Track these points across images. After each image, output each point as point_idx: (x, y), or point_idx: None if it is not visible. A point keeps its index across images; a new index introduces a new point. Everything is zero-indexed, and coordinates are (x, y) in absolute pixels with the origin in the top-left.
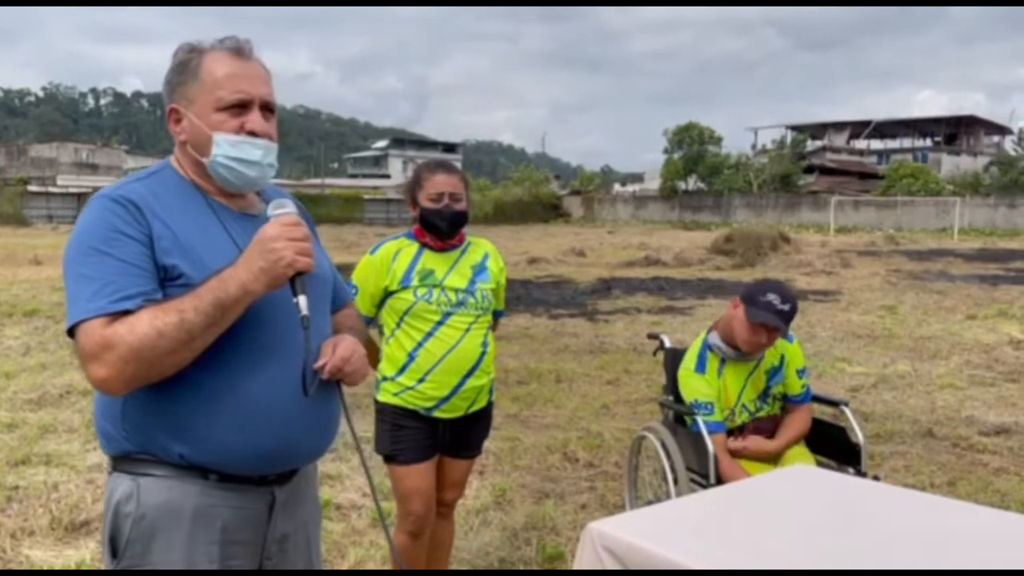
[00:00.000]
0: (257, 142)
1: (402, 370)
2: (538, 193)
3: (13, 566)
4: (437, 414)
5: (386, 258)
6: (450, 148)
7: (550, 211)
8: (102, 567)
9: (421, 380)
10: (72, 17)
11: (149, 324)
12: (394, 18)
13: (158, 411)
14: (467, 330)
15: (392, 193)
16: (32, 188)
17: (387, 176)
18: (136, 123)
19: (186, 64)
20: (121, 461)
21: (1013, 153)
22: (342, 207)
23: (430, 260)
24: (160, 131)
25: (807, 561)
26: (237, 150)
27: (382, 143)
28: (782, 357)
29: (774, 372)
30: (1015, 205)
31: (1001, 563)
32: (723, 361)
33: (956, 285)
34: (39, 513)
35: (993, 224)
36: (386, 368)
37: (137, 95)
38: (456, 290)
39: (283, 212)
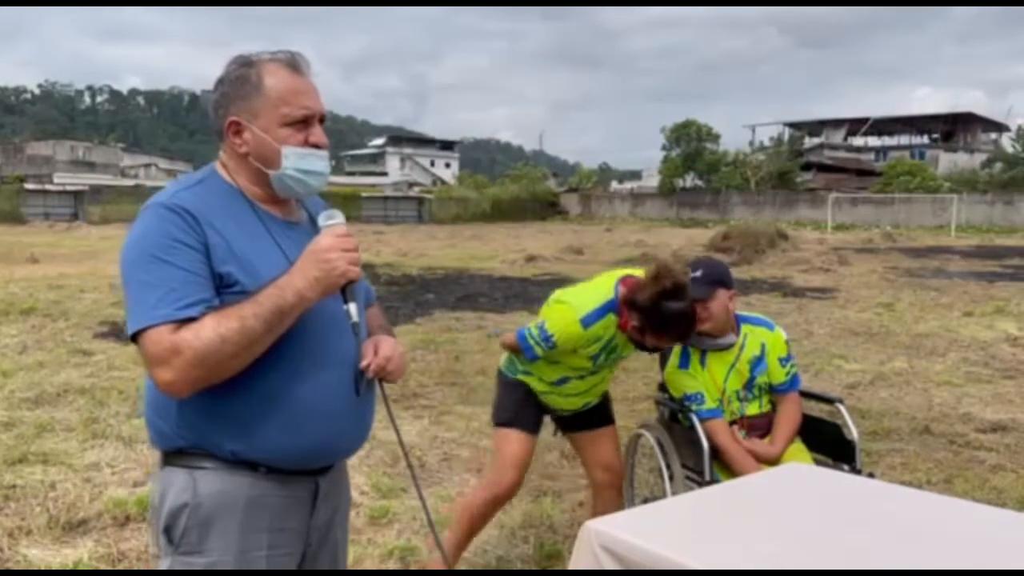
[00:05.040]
0: (321, 154)
1: (546, 382)
2: (535, 191)
3: (11, 565)
4: (561, 413)
5: (593, 335)
6: (447, 146)
7: (548, 208)
8: (101, 567)
9: (563, 395)
10: (71, 15)
11: (213, 330)
12: (395, 17)
13: (212, 411)
14: (609, 372)
15: (390, 191)
16: (29, 186)
17: (384, 174)
18: (133, 120)
19: (246, 79)
20: (174, 456)
21: (1011, 150)
22: (340, 205)
23: (620, 337)
24: (157, 129)
25: (803, 560)
26: (305, 162)
27: (379, 141)
28: (762, 345)
29: (756, 361)
30: (1012, 202)
31: (997, 561)
32: (704, 353)
33: (953, 282)
34: (36, 512)
35: (990, 221)
36: (536, 371)
37: (133, 92)
38: (621, 357)
39: (334, 223)
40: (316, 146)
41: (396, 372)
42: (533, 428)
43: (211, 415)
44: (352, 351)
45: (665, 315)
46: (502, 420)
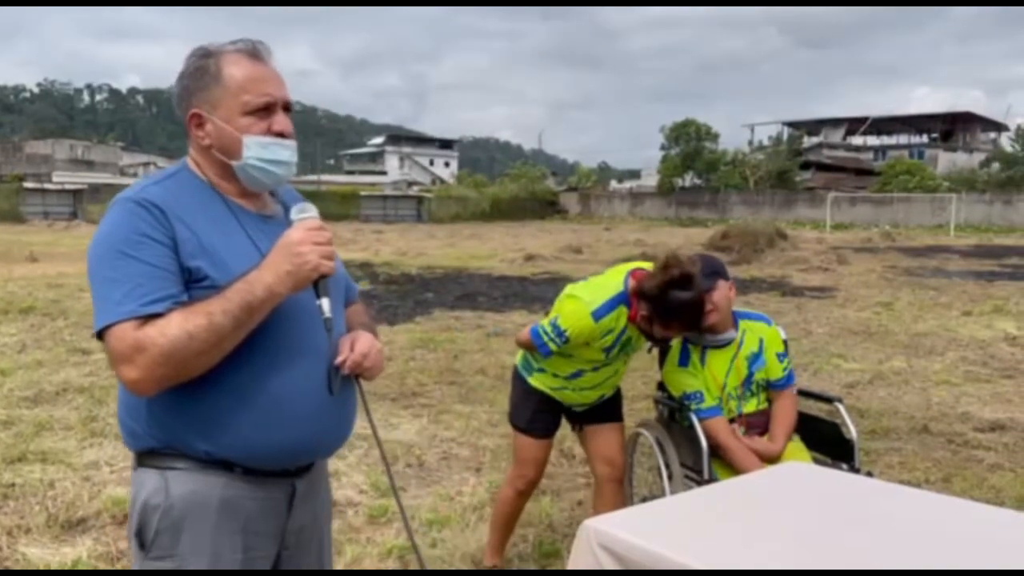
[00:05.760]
0: (285, 143)
1: (560, 377)
2: (534, 190)
3: (10, 564)
4: (576, 408)
5: (605, 328)
6: (447, 144)
7: (547, 208)
8: (100, 566)
9: (577, 390)
10: (71, 15)
11: (179, 327)
12: (394, 16)
13: (183, 409)
14: (623, 365)
15: (389, 190)
16: (28, 185)
17: (384, 173)
18: (132, 119)
19: (205, 69)
20: (147, 456)
21: (1010, 150)
22: (339, 204)
23: (632, 329)
24: (156, 128)
25: (802, 559)
26: (268, 152)
27: (379, 139)
28: (760, 341)
29: (755, 358)
30: (1011, 202)
31: (996, 561)
32: (704, 349)
33: (952, 281)
34: (35, 511)
35: (989, 220)
36: (550, 367)
37: (133, 91)
38: (635, 349)
39: (307, 216)
40: (280, 135)
41: (373, 369)
42: (548, 433)
43: (181, 413)
44: (328, 347)
45: (672, 304)
46: (518, 425)
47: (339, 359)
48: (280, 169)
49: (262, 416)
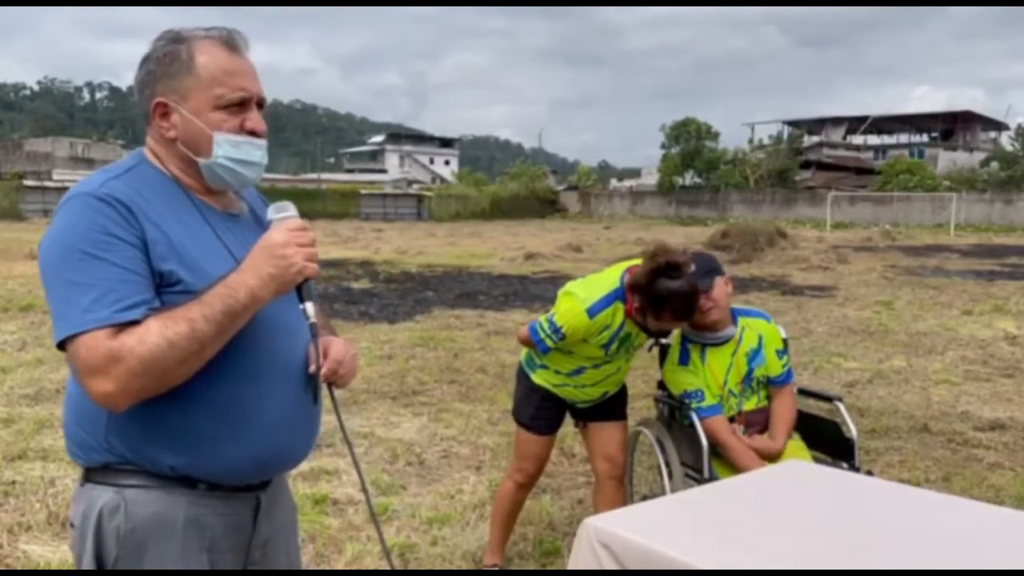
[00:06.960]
0: (257, 142)
1: (562, 374)
2: (535, 188)
3: (10, 561)
4: (579, 405)
5: (601, 324)
6: (447, 143)
7: (547, 206)
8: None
9: (579, 387)
10: (70, 12)
11: (159, 334)
12: (395, 14)
13: (150, 422)
14: (625, 362)
15: (389, 188)
16: (28, 182)
17: (384, 171)
18: (132, 117)
19: (175, 56)
20: (99, 472)
21: (1010, 149)
22: (339, 202)
23: (630, 325)
24: None
25: (802, 558)
26: (239, 151)
27: (379, 138)
28: (760, 338)
29: (754, 354)
30: (1011, 201)
31: (995, 560)
32: (704, 347)
33: (952, 281)
34: (36, 508)
35: (989, 220)
36: (552, 363)
37: (133, 89)
38: (636, 346)
39: (287, 216)
40: (253, 133)
41: (347, 376)
42: (551, 430)
43: (147, 426)
44: (304, 354)
45: (661, 293)
46: (521, 421)
47: (312, 367)
48: (250, 171)
49: (238, 430)
